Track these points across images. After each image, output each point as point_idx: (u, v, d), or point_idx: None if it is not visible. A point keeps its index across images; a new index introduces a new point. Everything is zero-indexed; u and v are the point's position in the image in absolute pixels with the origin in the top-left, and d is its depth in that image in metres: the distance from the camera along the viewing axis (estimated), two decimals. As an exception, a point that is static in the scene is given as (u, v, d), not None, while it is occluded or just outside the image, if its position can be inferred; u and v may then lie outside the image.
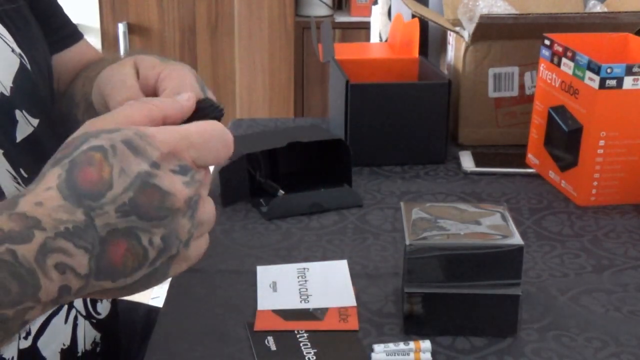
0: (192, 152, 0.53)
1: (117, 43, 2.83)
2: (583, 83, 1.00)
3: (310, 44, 2.75)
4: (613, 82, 0.97)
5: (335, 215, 1.01)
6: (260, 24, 2.84)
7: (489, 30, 1.18)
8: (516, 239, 0.74)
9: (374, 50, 1.49)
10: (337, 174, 1.08)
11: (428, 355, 0.72)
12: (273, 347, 0.74)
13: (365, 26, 2.23)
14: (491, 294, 0.74)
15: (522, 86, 1.23)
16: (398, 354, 0.72)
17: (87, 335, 0.84)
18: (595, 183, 1.03)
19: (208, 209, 0.56)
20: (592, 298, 0.82)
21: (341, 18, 2.97)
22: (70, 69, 0.94)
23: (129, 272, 0.52)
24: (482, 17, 1.16)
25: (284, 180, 1.07)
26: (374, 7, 1.77)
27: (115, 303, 0.92)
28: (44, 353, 0.77)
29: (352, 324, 0.78)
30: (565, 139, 1.05)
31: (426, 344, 0.73)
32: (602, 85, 0.97)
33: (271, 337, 0.75)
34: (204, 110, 0.60)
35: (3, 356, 0.73)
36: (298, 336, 0.76)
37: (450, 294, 0.74)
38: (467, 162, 1.16)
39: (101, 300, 0.87)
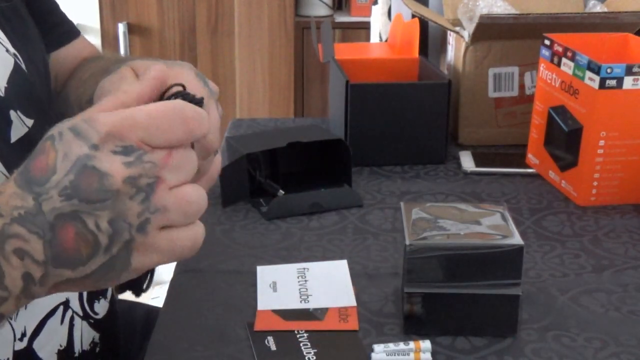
0: (138, 132, 0.52)
1: (117, 43, 2.82)
2: (583, 83, 1.00)
3: (310, 44, 2.75)
4: (613, 82, 0.97)
5: (335, 215, 1.01)
6: (260, 24, 2.84)
7: (489, 30, 1.18)
8: (516, 239, 0.74)
9: (374, 50, 1.49)
10: (337, 174, 1.08)
11: (428, 355, 0.72)
12: (273, 347, 0.74)
13: (365, 26, 2.23)
14: (491, 294, 0.74)
15: (522, 86, 1.23)
16: (398, 354, 0.72)
17: (85, 335, 0.84)
18: (595, 183, 1.03)
19: (181, 195, 0.54)
20: (592, 298, 0.82)
21: (341, 18, 2.97)
22: (67, 67, 0.93)
23: (84, 259, 0.52)
24: (482, 17, 1.16)
25: (284, 180, 1.07)
26: (374, 7, 1.77)
27: (113, 303, 0.92)
28: (40, 354, 0.77)
29: (352, 324, 0.78)
30: (565, 139, 1.05)
31: (426, 344, 0.73)
32: (602, 85, 0.97)
33: (271, 337, 0.75)
34: (177, 96, 0.57)
35: None
36: (298, 336, 0.76)
37: (450, 294, 0.74)
38: (467, 162, 1.16)
39: (98, 300, 0.87)
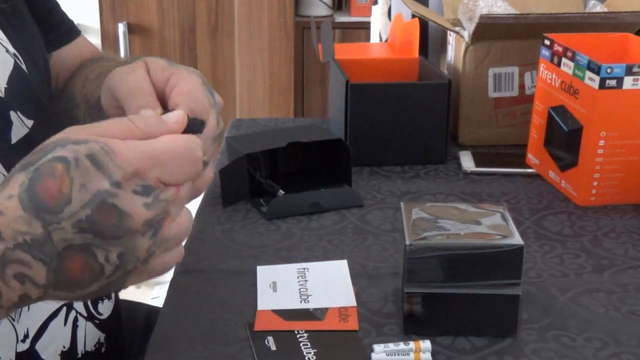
0: (156, 171, 0.53)
1: (117, 43, 2.82)
2: (583, 83, 1.00)
3: (310, 44, 2.75)
4: (613, 82, 0.97)
5: (335, 215, 1.01)
6: (260, 24, 2.84)
7: (489, 30, 1.18)
8: (516, 239, 0.74)
9: (374, 50, 1.49)
10: (337, 174, 1.08)
11: (428, 355, 0.72)
12: (273, 347, 0.74)
13: (365, 26, 2.23)
14: (491, 294, 0.74)
15: (522, 86, 1.23)
16: (398, 354, 0.72)
17: (90, 336, 0.84)
18: (595, 183, 1.03)
19: (178, 224, 0.55)
20: (592, 298, 0.82)
21: (341, 18, 2.97)
22: (68, 66, 0.93)
23: (86, 284, 0.53)
24: (482, 17, 1.16)
25: (284, 180, 1.07)
26: (374, 7, 1.77)
27: (117, 303, 0.92)
28: (43, 356, 0.77)
29: (352, 324, 0.78)
30: (565, 139, 1.05)
31: (426, 344, 0.73)
32: (602, 85, 0.97)
33: (271, 337, 0.75)
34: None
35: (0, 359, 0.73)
36: (298, 336, 0.76)
37: (450, 294, 0.74)
38: (467, 162, 1.16)
39: (102, 301, 0.87)
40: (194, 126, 0.60)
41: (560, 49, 1.06)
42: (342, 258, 0.90)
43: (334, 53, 1.24)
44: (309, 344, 0.74)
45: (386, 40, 1.58)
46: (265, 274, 0.87)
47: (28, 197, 0.51)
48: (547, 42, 1.09)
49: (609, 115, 0.99)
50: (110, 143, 0.52)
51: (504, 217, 0.78)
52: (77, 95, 0.87)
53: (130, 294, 0.92)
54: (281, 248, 0.93)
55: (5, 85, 0.75)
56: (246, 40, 2.86)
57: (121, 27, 2.81)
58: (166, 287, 0.86)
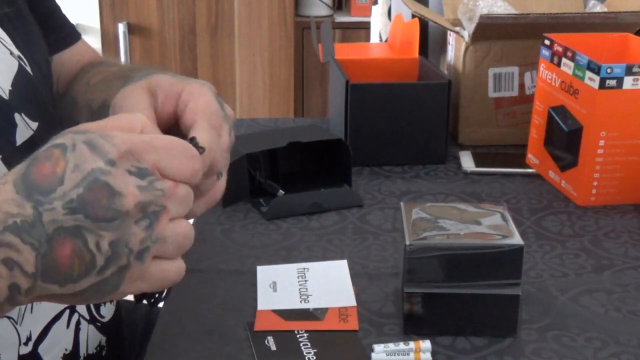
0: (153, 155, 0.52)
1: (117, 43, 2.82)
2: (583, 83, 1.00)
3: (310, 44, 2.75)
4: (613, 82, 0.97)
5: (335, 215, 1.01)
6: (260, 24, 2.84)
7: (489, 30, 1.18)
8: (516, 239, 0.74)
9: (374, 50, 1.49)
10: (337, 174, 1.08)
11: (428, 355, 0.72)
12: (273, 347, 0.74)
13: (365, 26, 2.23)
14: (491, 294, 0.74)
15: (522, 86, 1.23)
16: (398, 354, 0.72)
17: (92, 339, 0.84)
18: (595, 183, 1.03)
19: (178, 228, 0.53)
20: (592, 298, 0.82)
21: (341, 18, 2.97)
22: (69, 69, 0.93)
23: (75, 277, 0.51)
24: (482, 17, 1.16)
25: (284, 180, 1.07)
26: (374, 7, 1.77)
27: (118, 305, 0.92)
28: (45, 358, 0.77)
29: (352, 324, 0.78)
30: (565, 139, 1.05)
31: (426, 344, 0.73)
32: (602, 85, 0.97)
33: (271, 337, 0.75)
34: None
35: None
36: (298, 336, 0.76)
37: (450, 294, 0.74)
38: (467, 162, 1.16)
39: (104, 304, 0.87)
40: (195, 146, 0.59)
41: (560, 49, 1.06)
42: (342, 258, 0.90)
43: (334, 53, 1.24)
44: (309, 344, 0.74)
45: (386, 40, 1.58)
46: (265, 274, 0.87)
47: (22, 180, 0.50)
48: (547, 42, 1.09)
49: (609, 115, 0.99)
50: (108, 129, 0.52)
51: (504, 217, 0.78)
52: (79, 99, 0.87)
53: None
54: (281, 248, 0.93)
55: (10, 88, 0.75)
56: (246, 41, 2.86)
57: (121, 27, 2.81)
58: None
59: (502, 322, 0.75)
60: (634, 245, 0.94)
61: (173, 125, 0.66)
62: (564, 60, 1.04)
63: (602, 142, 1.00)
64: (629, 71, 0.97)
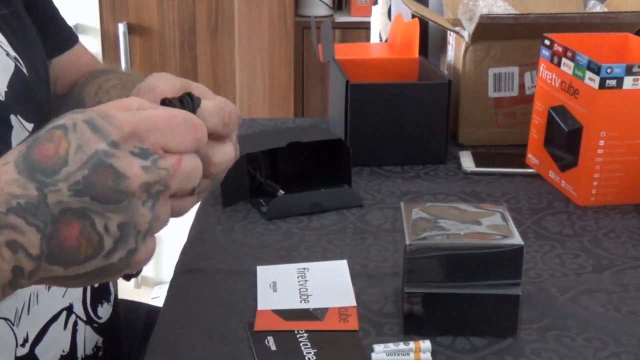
0: (156, 134, 0.51)
1: (117, 43, 2.82)
2: (583, 83, 1.00)
3: (310, 44, 2.75)
4: (613, 82, 0.97)
5: (335, 215, 1.01)
6: (260, 24, 2.84)
7: (489, 30, 1.18)
8: (516, 239, 0.74)
9: (374, 50, 1.49)
10: (337, 174, 1.08)
11: (428, 355, 0.72)
12: (273, 347, 0.74)
13: (365, 26, 2.23)
14: (491, 294, 0.74)
15: (522, 86, 1.23)
16: (398, 354, 0.72)
17: (89, 340, 0.84)
18: (595, 183, 1.03)
19: (172, 205, 0.53)
20: (592, 298, 0.82)
21: (341, 18, 2.97)
22: (67, 72, 0.94)
23: (82, 259, 0.50)
24: (482, 17, 1.16)
25: (284, 180, 1.07)
26: (374, 7, 1.77)
27: (116, 306, 0.92)
28: None
29: (352, 324, 0.78)
30: (565, 139, 1.05)
31: (426, 344, 0.73)
32: (602, 85, 0.97)
33: (271, 337, 0.75)
34: (177, 104, 0.57)
35: None
36: (298, 336, 0.76)
37: (450, 294, 0.74)
38: (467, 162, 1.16)
39: (101, 304, 0.87)
40: (188, 105, 0.58)
41: (560, 49, 1.06)
42: (342, 258, 0.90)
43: (334, 53, 1.24)
44: (309, 344, 0.74)
45: (386, 40, 1.58)
46: (265, 273, 0.87)
47: (24, 160, 0.49)
48: (547, 42, 1.09)
49: (609, 115, 0.99)
50: (106, 109, 0.51)
51: (504, 217, 0.78)
52: (89, 101, 0.87)
53: (130, 293, 0.92)
54: (281, 248, 0.93)
55: (6, 89, 0.75)
56: (246, 40, 2.86)
57: (121, 27, 2.81)
58: (166, 287, 0.86)
59: (502, 322, 0.75)
60: (634, 245, 0.94)
61: None
62: (564, 60, 1.04)
63: (602, 142, 1.00)
64: (629, 71, 0.97)
